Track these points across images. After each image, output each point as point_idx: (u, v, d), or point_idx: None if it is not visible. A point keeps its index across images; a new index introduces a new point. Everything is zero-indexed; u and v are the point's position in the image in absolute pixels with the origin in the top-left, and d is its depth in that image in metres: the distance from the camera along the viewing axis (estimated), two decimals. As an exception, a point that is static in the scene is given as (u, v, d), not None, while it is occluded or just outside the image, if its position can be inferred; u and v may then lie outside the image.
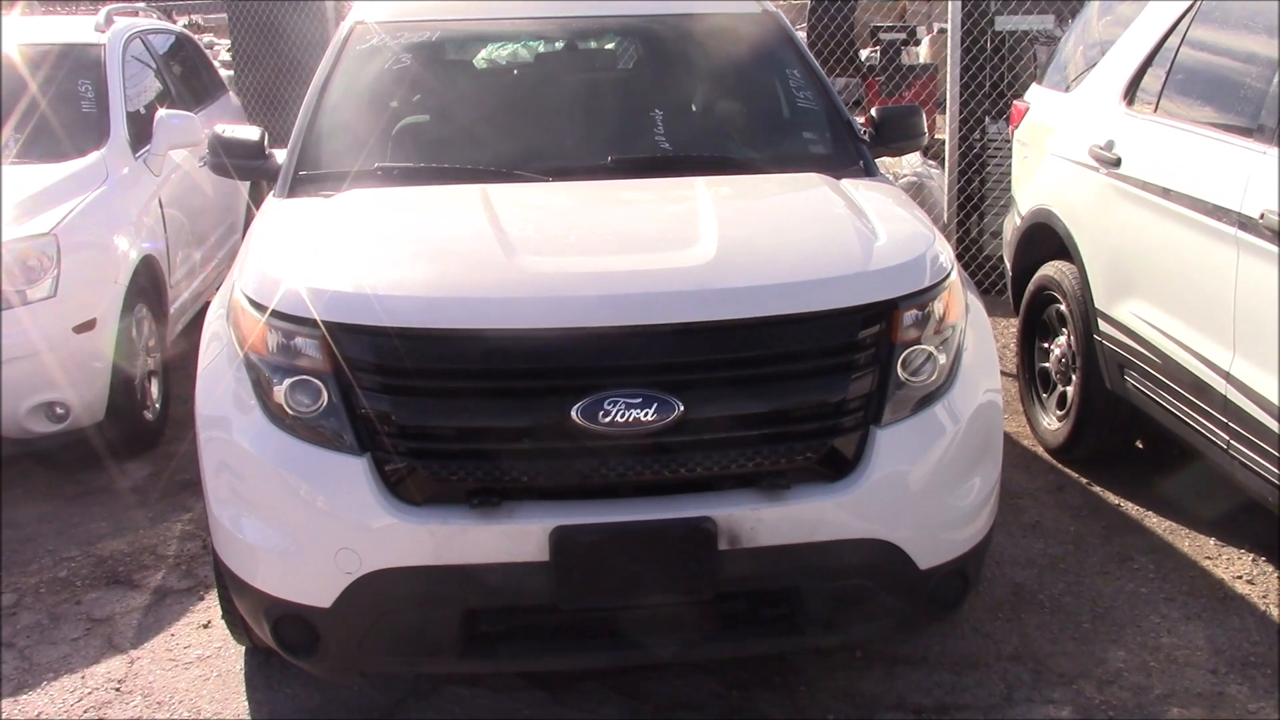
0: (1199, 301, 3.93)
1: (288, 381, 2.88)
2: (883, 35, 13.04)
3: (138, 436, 5.23)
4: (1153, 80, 4.58)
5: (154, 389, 5.44)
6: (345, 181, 3.74)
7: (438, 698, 3.40)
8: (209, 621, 3.85)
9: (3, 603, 4.04)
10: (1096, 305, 4.57)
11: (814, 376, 2.90)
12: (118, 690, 3.53)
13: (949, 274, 3.14)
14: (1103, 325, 4.53)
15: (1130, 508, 4.51)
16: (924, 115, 4.26)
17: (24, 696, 3.50)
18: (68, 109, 5.75)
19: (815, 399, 2.89)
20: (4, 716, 3.40)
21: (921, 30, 15.44)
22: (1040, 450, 5.07)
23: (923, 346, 2.99)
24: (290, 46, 9.92)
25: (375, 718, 3.33)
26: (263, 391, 2.94)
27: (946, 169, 7.40)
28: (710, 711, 3.33)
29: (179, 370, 5.38)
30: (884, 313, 2.95)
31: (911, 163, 8.00)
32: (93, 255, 4.97)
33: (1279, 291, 3.47)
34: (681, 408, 2.76)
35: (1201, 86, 4.38)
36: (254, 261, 3.25)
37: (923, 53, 14.53)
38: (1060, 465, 4.92)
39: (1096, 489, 4.70)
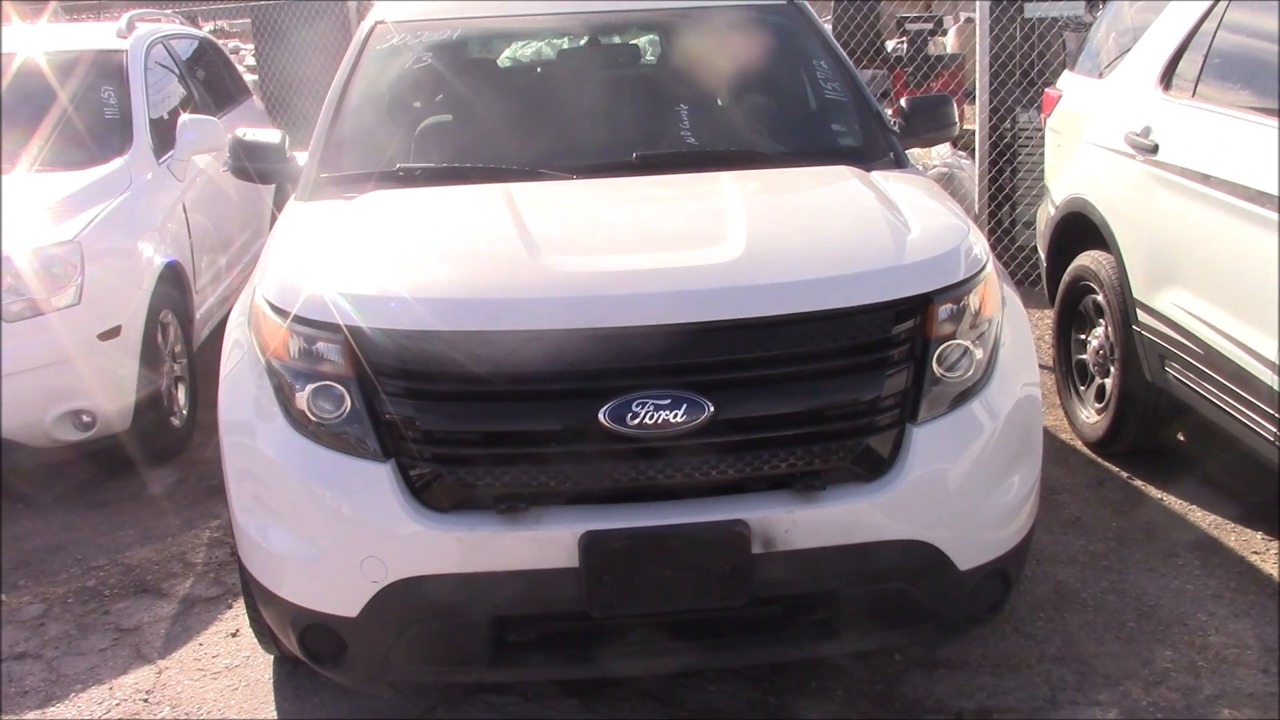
0: (1242, 290, 3.82)
1: (310, 387, 2.83)
2: (909, 26, 12.94)
3: (165, 443, 5.21)
4: (1189, 65, 4.47)
5: (181, 395, 5.42)
6: (367, 183, 3.69)
7: (468, 705, 3.34)
8: (237, 630, 3.81)
9: (31, 613, 4.01)
10: (1135, 295, 4.46)
11: (847, 374, 2.82)
12: (146, 701, 3.49)
13: (984, 266, 3.06)
14: (1142, 316, 4.42)
15: (1173, 502, 4.41)
16: (955, 104, 4.17)
17: (52, 709, 3.47)
18: (91, 116, 5.74)
19: (849, 397, 2.81)
20: (32, 729, 3.37)
21: (948, 20, 15.30)
22: (1079, 444, 4.96)
23: (959, 341, 2.90)
24: (313, 49, 9.90)
25: (405, 727, 3.29)
26: (285, 398, 2.89)
27: (977, 159, 7.30)
28: (746, 717, 3.26)
29: (206, 376, 5.34)
30: (918, 307, 2.87)
31: (941, 153, 7.90)
32: (117, 262, 4.95)
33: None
34: (711, 408, 2.68)
35: (1240, 69, 4.27)
36: (275, 266, 3.20)
37: (949, 43, 14.40)
38: (1100, 459, 4.82)
39: (1138, 483, 4.59)
